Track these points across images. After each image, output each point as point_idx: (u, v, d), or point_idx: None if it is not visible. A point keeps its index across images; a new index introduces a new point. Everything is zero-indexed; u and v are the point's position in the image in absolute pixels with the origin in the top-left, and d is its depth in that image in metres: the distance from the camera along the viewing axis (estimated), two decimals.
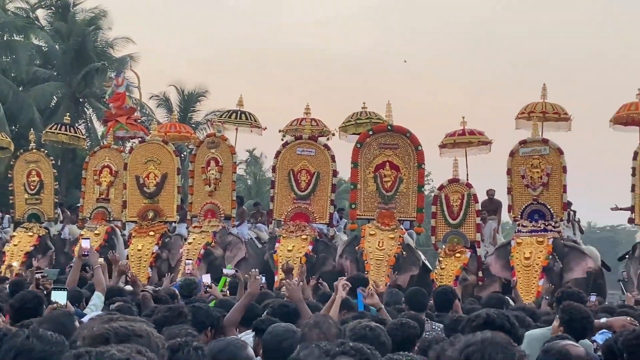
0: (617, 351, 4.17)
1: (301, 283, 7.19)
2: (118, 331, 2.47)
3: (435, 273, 13.96)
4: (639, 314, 6.55)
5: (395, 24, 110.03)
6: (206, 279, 8.91)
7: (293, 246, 14.56)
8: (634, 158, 14.28)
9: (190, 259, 12.86)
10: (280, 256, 14.32)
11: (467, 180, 15.51)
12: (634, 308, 7.44)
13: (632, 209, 14.29)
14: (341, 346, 2.73)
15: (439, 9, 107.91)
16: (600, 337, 5.28)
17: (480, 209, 14.76)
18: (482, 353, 2.29)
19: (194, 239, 15.04)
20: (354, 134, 16.24)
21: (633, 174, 14.28)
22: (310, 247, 14.58)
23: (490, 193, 16.03)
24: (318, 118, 17.99)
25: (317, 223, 15.21)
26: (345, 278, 8.07)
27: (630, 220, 14.48)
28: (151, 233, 15.50)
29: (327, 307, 5.84)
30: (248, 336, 5.05)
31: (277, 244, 14.79)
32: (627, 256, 14.84)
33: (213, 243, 15.00)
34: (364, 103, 17.00)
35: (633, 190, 14.28)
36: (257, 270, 5.95)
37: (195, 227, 15.33)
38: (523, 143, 14.62)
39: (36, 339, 2.69)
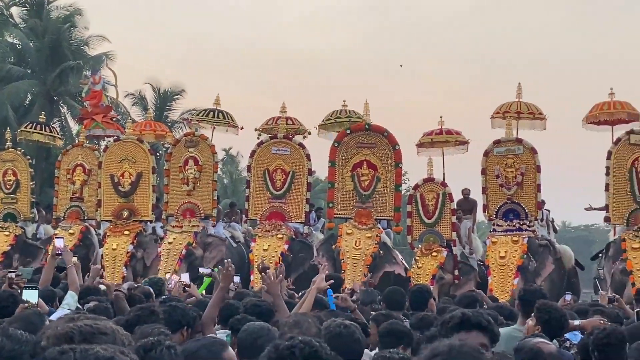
0: (591, 351, 4.24)
1: (281, 278, 7.12)
2: (82, 329, 2.44)
3: (412, 272, 14.02)
4: (611, 313, 6.64)
5: (374, 23, 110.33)
6: (185, 278, 8.87)
7: (269, 245, 14.54)
8: (608, 157, 14.43)
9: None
10: (256, 255, 14.32)
11: (444, 179, 15.59)
12: (606, 307, 7.51)
13: (606, 208, 14.44)
14: (290, 340, 2.72)
15: (417, 8, 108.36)
16: (569, 335, 5.33)
17: (455, 207, 14.84)
18: None
19: (174, 238, 14.90)
20: (336, 131, 16.24)
21: (607, 173, 14.42)
22: (286, 247, 14.56)
23: (466, 192, 16.12)
24: (294, 117, 17.99)
25: (293, 222, 15.21)
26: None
27: (607, 219, 14.62)
28: (126, 232, 15.36)
29: (301, 303, 5.80)
30: (223, 335, 5.05)
31: (252, 244, 14.80)
32: (600, 255, 14.99)
33: (194, 244, 14.91)
34: (344, 101, 17.09)
35: (607, 189, 14.42)
36: (229, 260, 5.85)
37: (175, 226, 15.19)
38: (497, 143, 14.72)
39: (6, 338, 2.66)
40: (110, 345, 2.24)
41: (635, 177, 14.19)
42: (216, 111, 17.24)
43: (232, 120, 17.34)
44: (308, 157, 15.41)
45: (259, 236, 14.80)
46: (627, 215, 14.12)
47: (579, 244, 39.67)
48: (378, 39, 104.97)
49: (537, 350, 3.78)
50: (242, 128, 17.64)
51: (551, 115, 16.10)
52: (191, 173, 15.52)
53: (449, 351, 2.25)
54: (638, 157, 14.24)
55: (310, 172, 15.86)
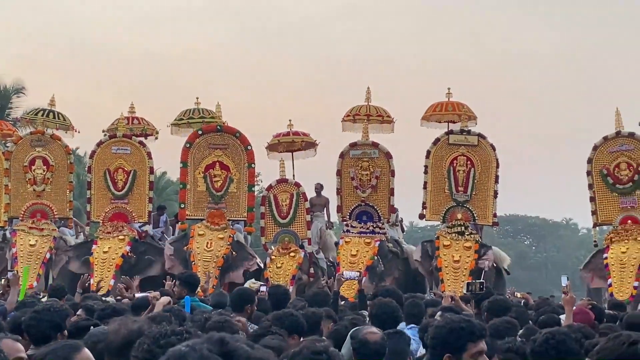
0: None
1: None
2: None
3: (269, 272, 13.96)
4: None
5: (224, 24, 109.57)
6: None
7: (109, 247, 14.20)
8: (427, 157, 14.98)
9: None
10: (96, 258, 13.98)
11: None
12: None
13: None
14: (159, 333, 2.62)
15: (269, 11, 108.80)
16: (409, 331, 5.46)
17: (308, 205, 14.92)
18: None
19: (36, 241, 14.23)
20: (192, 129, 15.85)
21: (425, 172, 14.99)
22: (127, 248, 14.25)
23: (318, 187, 15.98)
24: (141, 117, 17.40)
25: (136, 222, 14.87)
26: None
27: (421, 216, 15.15)
28: None
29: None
30: None
31: (94, 246, 14.33)
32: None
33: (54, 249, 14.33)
34: (197, 98, 16.73)
35: (425, 187, 14.98)
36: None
37: (32, 227, 14.43)
38: (353, 145, 14.99)
39: None
40: None
41: (452, 176, 14.83)
42: (48, 111, 16.13)
43: (65, 120, 16.27)
44: (149, 155, 15.21)
45: (100, 238, 14.46)
46: (444, 212, 14.75)
47: None
48: (231, 41, 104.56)
49: (365, 340, 4.05)
50: (75, 129, 16.46)
51: (397, 117, 16.34)
52: (40, 173, 14.88)
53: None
54: (457, 157, 14.88)
55: (152, 171, 15.60)
